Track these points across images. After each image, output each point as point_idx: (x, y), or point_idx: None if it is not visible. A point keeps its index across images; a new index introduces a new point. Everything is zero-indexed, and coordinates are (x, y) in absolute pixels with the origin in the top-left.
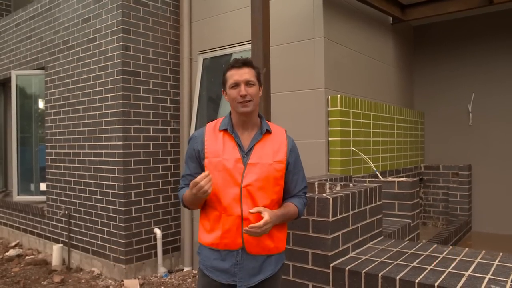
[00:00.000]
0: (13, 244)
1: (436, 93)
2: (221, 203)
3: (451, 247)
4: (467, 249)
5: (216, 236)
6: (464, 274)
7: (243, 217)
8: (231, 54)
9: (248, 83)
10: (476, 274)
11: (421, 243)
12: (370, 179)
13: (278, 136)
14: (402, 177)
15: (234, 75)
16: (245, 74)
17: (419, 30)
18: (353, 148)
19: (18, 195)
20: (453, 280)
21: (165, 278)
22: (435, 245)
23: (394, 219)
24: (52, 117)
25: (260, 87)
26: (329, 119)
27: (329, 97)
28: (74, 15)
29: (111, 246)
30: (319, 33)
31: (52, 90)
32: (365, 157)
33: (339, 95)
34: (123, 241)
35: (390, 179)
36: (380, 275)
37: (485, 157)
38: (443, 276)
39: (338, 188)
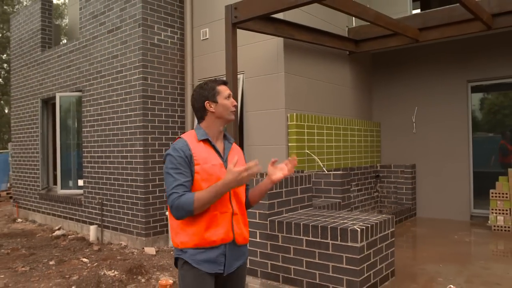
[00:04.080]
0: (57, 228)
1: (390, 106)
2: (216, 203)
3: (349, 211)
4: (358, 212)
5: (214, 234)
6: (339, 222)
7: (233, 213)
8: None
9: None
10: (345, 222)
11: (333, 210)
12: (318, 172)
13: (236, 145)
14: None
15: (227, 89)
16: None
17: (377, 56)
18: (307, 151)
19: (61, 189)
20: (329, 223)
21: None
22: (341, 211)
23: (329, 199)
24: (88, 129)
25: None
26: (288, 130)
27: (288, 115)
28: (105, 52)
29: (135, 224)
30: (281, 69)
31: (88, 108)
32: (316, 157)
33: (295, 113)
34: (143, 220)
35: (330, 172)
36: (293, 222)
37: (426, 157)
38: (326, 222)
39: None
